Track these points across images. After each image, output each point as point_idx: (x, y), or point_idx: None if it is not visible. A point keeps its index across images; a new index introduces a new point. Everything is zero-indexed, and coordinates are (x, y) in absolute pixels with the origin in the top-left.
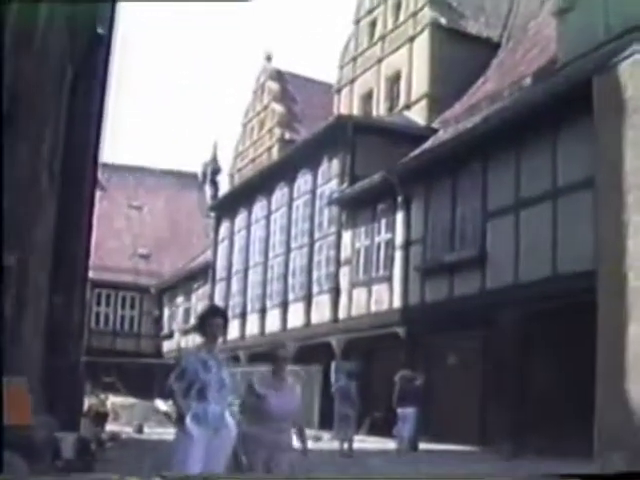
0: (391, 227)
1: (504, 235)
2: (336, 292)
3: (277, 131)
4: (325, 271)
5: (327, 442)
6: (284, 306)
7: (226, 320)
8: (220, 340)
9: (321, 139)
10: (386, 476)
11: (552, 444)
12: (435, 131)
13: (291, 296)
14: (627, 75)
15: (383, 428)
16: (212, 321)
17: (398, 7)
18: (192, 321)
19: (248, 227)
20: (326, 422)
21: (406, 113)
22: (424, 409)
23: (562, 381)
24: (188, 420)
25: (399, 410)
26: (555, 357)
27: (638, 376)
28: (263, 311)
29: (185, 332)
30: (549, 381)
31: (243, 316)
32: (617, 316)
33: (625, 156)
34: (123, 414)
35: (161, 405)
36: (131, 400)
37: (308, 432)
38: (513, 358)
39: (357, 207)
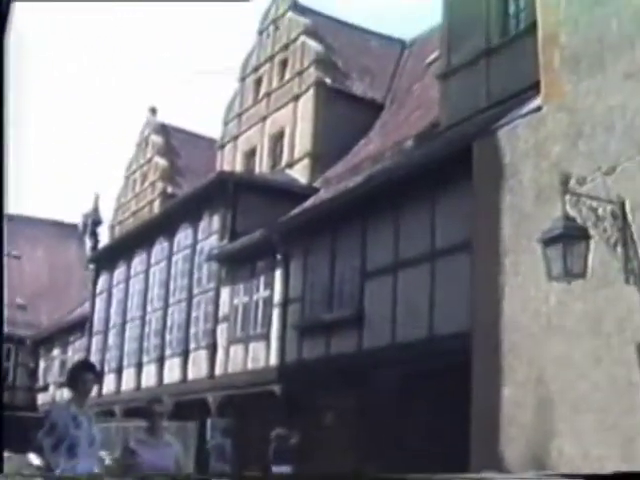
0: (270, 285)
1: (382, 295)
2: (213, 348)
3: (159, 185)
4: (203, 327)
5: None
6: (161, 361)
7: (98, 375)
8: (93, 394)
9: (203, 194)
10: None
11: None
12: (316, 190)
13: (168, 351)
14: (506, 141)
15: None
16: (83, 376)
17: (284, 65)
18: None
19: (127, 280)
20: None
21: (288, 171)
22: (299, 467)
23: (438, 441)
24: (57, 477)
25: (274, 468)
26: (431, 417)
27: (511, 438)
28: (139, 366)
29: (60, 385)
30: (425, 441)
31: (119, 370)
32: (491, 378)
33: (502, 221)
34: None
35: (34, 459)
36: (5, 453)
37: None
38: (389, 417)
39: (236, 264)
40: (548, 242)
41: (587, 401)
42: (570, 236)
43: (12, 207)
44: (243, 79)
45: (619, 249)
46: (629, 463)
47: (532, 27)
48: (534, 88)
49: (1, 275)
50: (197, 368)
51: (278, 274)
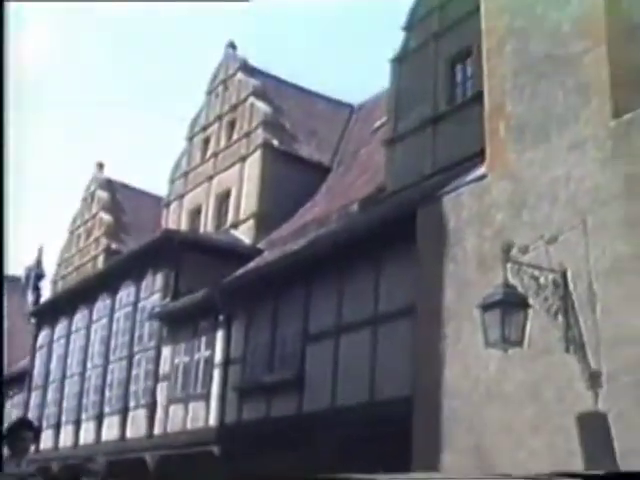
0: (211, 345)
1: (323, 358)
2: (153, 407)
3: (104, 241)
4: (143, 385)
5: None
6: (99, 418)
7: (36, 433)
8: (31, 451)
9: (147, 252)
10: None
11: None
12: (261, 251)
13: (107, 409)
14: (450, 208)
15: None
16: (21, 434)
17: (232, 126)
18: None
19: (68, 336)
20: None
21: (233, 231)
22: None
23: None
24: None
25: None
26: None
27: None
28: (78, 422)
29: None
30: None
31: (58, 426)
32: (431, 444)
33: (444, 287)
34: None
35: None
36: None
37: None
38: None
39: (178, 323)
40: (486, 308)
41: (526, 469)
42: (509, 303)
43: None
44: (191, 138)
45: (560, 318)
46: None
47: (478, 96)
48: (479, 156)
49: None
50: (136, 427)
51: (220, 334)
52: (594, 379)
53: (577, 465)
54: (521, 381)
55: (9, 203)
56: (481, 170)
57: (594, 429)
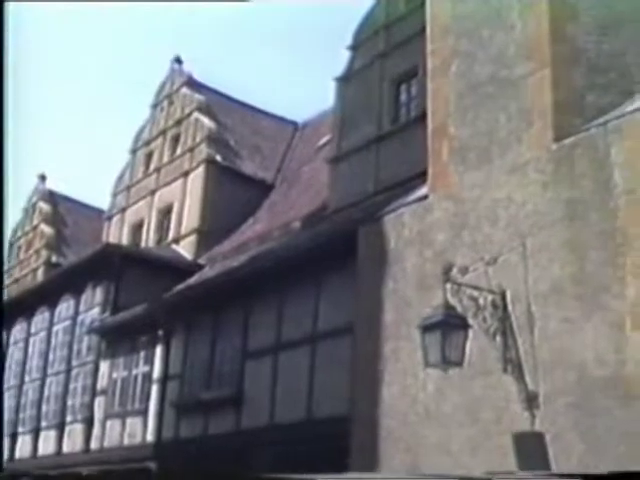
0: (150, 360)
1: (262, 376)
2: (90, 422)
3: (44, 253)
4: (80, 400)
5: None
6: (36, 433)
7: None
8: None
9: (87, 266)
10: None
11: None
12: (201, 267)
13: (44, 423)
14: (391, 227)
15: None
16: None
17: (176, 141)
18: None
19: (5, 349)
20: None
21: (175, 247)
22: None
23: None
24: None
25: None
26: None
27: None
28: (14, 436)
29: None
30: None
31: None
32: (368, 463)
33: (384, 306)
34: None
35: None
36: None
37: None
38: None
39: (117, 337)
40: (427, 329)
41: None
42: (449, 324)
43: None
44: (134, 151)
45: (498, 339)
46: None
47: (422, 116)
48: (422, 176)
49: None
50: (72, 441)
51: (159, 350)
52: (531, 400)
53: None
54: (459, 401)
55: None
56: (423, 190)
57: (531, 449)
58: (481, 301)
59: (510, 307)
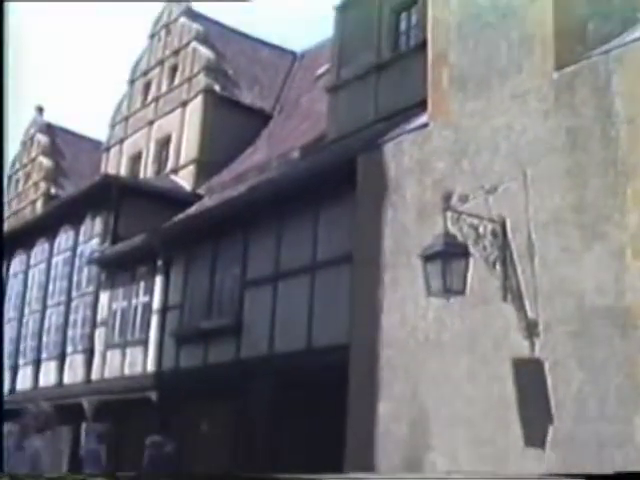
0: (150, 290)
1: (261, 305)
2: (90, 352)
3: (43, 185)
4: (80, 331)
5: None
6: (37, 364)
7: None
8: None
9: (86, 197)
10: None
11: None
12: (200, 197)
13: (45, 354)
14: (390, 156)
15: None
16: None
17: (174, 71)
18: None
19: (5, 281)
20: None
21: (173, 177)
22: (173, 475)
23: (314, 454)
24: None
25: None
26: (307, 430)
27: (385, 452)
28: (15, 368)
29: None
30: (300, 453)
31: None
32: (367, 392)
33: (383, 235)
34: None
35: None
36: None
37: None
38: (264, 428)
39: (117, 268)
40: (428, 258)
41: (462, 417)
42: (450, 253)
43: None
44: (132, 82)
45: (498, 267)
46: (501, 477)
47: (422, 45)
48: (422, 105)
49: None
50: (73, 372)
51: (158, 280)
52: (531, 329)
53: (512, 414)
54: (459, 329)
55: None
56: (423, 119)
57: (530, 378)
58: (481, 230)
59: (510, 236)
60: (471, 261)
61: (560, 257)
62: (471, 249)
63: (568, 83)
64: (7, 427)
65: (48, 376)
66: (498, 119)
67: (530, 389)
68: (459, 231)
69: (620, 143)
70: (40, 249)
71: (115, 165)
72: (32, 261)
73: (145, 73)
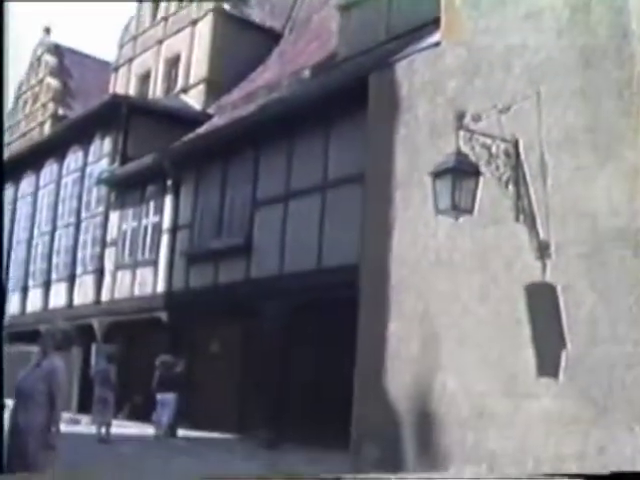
0: (159, 210)
1: (271, 225)
2: (100, 273)
3: (51, 106)
4: (90, 251)
5: (85, 426)
6: (47, 285)
7: None
8: None
9: (95, 117)
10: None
11: (312, 434)
12: (210, 116)
13: (54, 275)
14: (402, 75)
15: (143, 413)
16: None
17: None
18: None
19: (14, 203)
20: (85, 406)
21: (183, 97)
22: (184, 395)
23: (323, 373)
24: None
25: (158, 396)
26: (317, 349)
27: (395, 371)
28: (25, 290)
29: None
30: (310, 373)
31: (3, 294)
32: (378, 311)
33: (395, 154)
34: None
35: None
36: None
37: (66, 415)
38: (274, 348)
39: (126, 188)
40: (437, 175)
41: (472, 337)
42: (460, 170)
43: None
44: (141, 0)
45: (510, 187)
46: (511, 398)
47: None
48: (435, 23)
49: None
50: (83, 293)
51: (168, 200)
52: (543, 249)
53: (524, 333)
54: (470, 249)
55: None
56: (435, 37)
57: (542, 299)
58: (494, 149)
59: (523, 156)
60: (482, 181)
61: (573, 177)
62: (483, 169)
63: (583, 1)
64: (20, 348)
65: (58, 297)
66: (512, 37)
67: (541, 310)
68: (471, 150)
69: (635, 63)
70: (49, 170)
71: (124, 85)
72: (41, 182)
73: None
